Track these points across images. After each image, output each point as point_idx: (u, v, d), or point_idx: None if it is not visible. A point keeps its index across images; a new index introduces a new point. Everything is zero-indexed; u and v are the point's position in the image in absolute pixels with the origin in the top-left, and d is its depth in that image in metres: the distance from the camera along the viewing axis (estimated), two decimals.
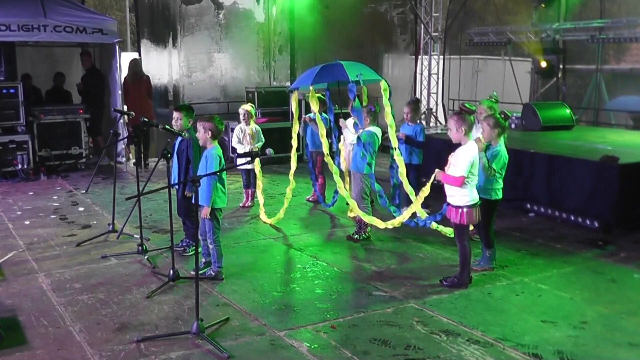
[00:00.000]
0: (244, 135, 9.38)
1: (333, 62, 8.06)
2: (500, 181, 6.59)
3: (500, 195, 6.61)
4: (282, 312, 5.67)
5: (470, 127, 6.02)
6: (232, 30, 15.92)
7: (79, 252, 7.38)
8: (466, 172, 5.92)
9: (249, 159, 6.94)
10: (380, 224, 7.50)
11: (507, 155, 6.58)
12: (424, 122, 17.01)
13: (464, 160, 5.94)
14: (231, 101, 15.52)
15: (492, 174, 6.46)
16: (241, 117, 9.48)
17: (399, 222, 7.39)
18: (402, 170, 7.91)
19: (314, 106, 8.01)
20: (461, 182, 5.95)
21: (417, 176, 8.59)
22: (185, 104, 8.03)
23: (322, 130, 8.04)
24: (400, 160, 7.89)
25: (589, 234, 8.03)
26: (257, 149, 9.01)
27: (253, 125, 9.47)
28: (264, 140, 9.43)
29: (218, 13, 15.72)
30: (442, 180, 6.13)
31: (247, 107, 9.57)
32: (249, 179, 9.56)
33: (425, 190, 6.73)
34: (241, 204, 9.61)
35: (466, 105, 6.17)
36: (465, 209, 6.03)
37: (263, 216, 8.74)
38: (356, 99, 7.87)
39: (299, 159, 9.69)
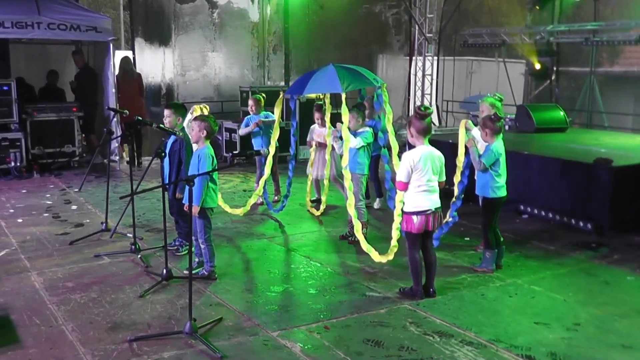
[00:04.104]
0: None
1: (329, 65, 7.85)
2: (499, 179, 6.55)
3: (499, 193, 6.56)
4: (275, 312, 5.66)
5: (421, 130, 5.72)
6: (226, 30, 15.92)
7: (72, 251, 7.35)
8: (406, 178, 5.71)
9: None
10: (377, 257, 6.90)
11: (500, 153, 6.52)
12: None
13: (402, 165, 5.77)
14: (225, 100, 15.54)
15: (482, 167, 6.47)
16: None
17: (391, 252, 6.85)
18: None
19: (345, 118, 7.29)
20: (402, 187, 5.77)
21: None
22: (175, 102, 7.96)
23: (348, 143, 7.34)
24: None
25: (582, 236, 8.05)
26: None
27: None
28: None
29: (212, 12, 15.71)
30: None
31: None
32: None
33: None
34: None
35: (422, 108, 5.94)
36: (406, 216, 5.83)
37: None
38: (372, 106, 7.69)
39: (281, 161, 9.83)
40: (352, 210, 7.20)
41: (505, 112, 12.87)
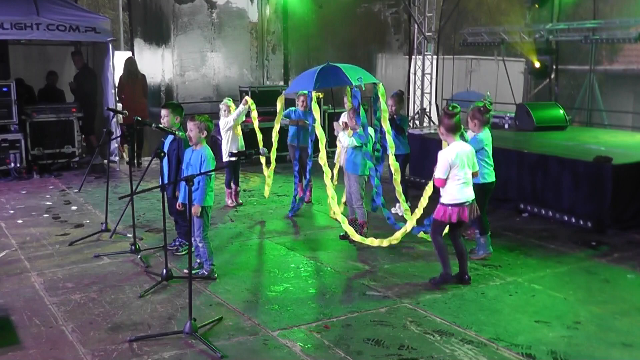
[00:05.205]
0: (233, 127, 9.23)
1: (325, 64, 7.87)
2: (487, 166, 6.87)
3: (488, 179, 6.89)
4: (275, 311, 5.66)
5: (450, 128, 6.11)
6: (225, 30, 15.90)
7: (72, 252, 7.35)
8: (444, 174, 6.02)
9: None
10: (378, 242, 7.36)
11: (486, 143, 6.86)
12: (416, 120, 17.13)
13: (440, 163, 6.08)
14: None
15: None
16: (222, 112, 9.31)
17: (401, 235, 7.38)
18: (396, 177, 7.92)
19: (316, 112, 7.69)
20: (441, 183, 6.09)
21: (403, 165, 8.66)
22: (172, 102, 7.93)
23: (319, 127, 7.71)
24: (395, 166, 7.90)
25: (582, 234, 8.04)
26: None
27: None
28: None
29: (211, 12, 15.69)
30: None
31: (227, 101, 9.43)
32: (236, 176, 9.55)
33: (423, 202, 7.26)
34: (229, 203, 9.57)
35: (450, 107, 6.17)
36: (441, 206, 6.15)
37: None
38: (361, 106, 7.69)
39: (281, 160, 9.83)
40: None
41: (504, 110, 12.88)
